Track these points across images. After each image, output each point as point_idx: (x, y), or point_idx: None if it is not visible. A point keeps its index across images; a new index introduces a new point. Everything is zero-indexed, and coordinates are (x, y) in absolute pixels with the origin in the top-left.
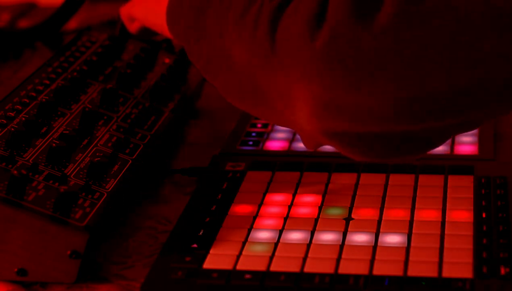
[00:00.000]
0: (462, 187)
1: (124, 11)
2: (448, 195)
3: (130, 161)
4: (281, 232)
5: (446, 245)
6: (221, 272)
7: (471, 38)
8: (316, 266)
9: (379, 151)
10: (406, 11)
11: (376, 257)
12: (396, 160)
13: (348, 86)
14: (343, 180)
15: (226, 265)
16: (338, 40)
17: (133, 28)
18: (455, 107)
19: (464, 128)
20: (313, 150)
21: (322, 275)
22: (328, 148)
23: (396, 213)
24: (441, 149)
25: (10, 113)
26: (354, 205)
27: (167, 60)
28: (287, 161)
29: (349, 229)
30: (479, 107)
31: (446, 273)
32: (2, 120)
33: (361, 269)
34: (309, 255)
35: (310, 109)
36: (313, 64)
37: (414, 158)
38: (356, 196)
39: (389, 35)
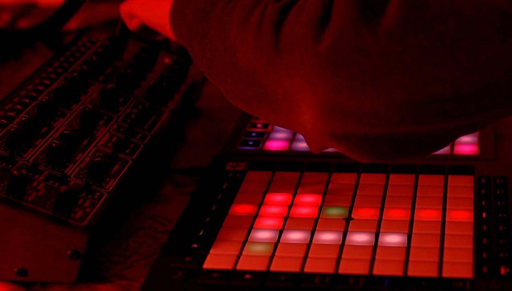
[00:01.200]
0: (462, 187)
1: (124, 8)
2: (448, 195)
3: (130, 161)
4: (281, 232)
5: (446, 245)
6: (221, 272)
7: (475, 42)
8: (316, 266)
9: (386, 152)
10: (411, 15)
11: (376, 257)
12: (402, 161)
13: (353, 89)
14: (343, 180)
15: (226, 265)
16: (343, 43)
17: (132, 25)
18: (460, 110)
19: (469, 130)
20: (318, 153)
21: (322, 275)
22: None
23: (396, 213)
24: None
25: (10, 113)
26: (354, 205)
27: (167, 60)
28: (287, 161)
29: (349, 229)
30: (484, 110)
31: (446, 273)
32: (2, 120)
33: (361, 269)
34: (309, 255)
35: (316, 112)
36: (318, 67)
37: (420, 159)
38: (356, 196)
39: (394, 38)
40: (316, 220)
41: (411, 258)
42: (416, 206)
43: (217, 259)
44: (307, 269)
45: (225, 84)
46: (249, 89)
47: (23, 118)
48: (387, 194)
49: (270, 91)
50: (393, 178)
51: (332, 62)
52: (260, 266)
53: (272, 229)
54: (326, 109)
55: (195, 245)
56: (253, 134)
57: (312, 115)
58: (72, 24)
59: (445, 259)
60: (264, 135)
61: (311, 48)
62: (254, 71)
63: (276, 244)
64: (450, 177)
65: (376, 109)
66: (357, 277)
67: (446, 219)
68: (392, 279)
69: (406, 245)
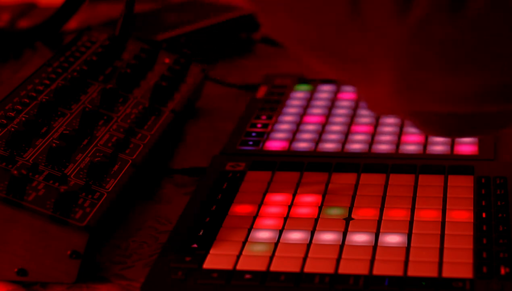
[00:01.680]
0: (462, 187)
1: None
2: (448, 195)
3: (130, 161)
4: (281, 232)
5: (446, 245)
6: (221, 272)
7: None
8: (316, 266)
9: (454, 129)
10: None
11: (376, 257)
12: (468, 137)
13: (437, 67)
14: (343, 180)
15: (226, 265)
16: (435, 17)
17: None
18: None
19: None
20: (380, 115)
21: (322, 275)
22: (328, 147)
23: (396, 213)
24: (441, 149)
25: (10, 113)
26: (354, 205)
27: (167, 60)
28: (287, 161)
29: (349, 229)
30: None
31: (446, 273)
32: (2, 120)
33: (361, 269)
34: (309, 255)
35: (394, 85)
36: (403, 39)
37: (485, 135)
38: (356, 196)
39: (484, 20)
40: (316, 220)
41: (411, 258)
42: (416, 206)
43: (217, 259)
44: (307, 269)
45: (281, 26)
46: (319, 43)
47: (23, 118)
48: (387, 194)
49: (342, 54)
50: (393, 178)
51: (421, 36)
52: (260, 266)
53: (272, 229)
54: (404, 84)
55: (195, 245)
56: (253, 134)
57: (389, 86)
58: (72, 24)
59: (445, 259)
60: (264, 135)
61: (397, 18)
62: (324, 30)
63: (276, 244)
64: (450, 177)
65: (457, 89)
66: (357, 277)
67: (446, 219)
68: (392, 279)
69: (406, 245)
